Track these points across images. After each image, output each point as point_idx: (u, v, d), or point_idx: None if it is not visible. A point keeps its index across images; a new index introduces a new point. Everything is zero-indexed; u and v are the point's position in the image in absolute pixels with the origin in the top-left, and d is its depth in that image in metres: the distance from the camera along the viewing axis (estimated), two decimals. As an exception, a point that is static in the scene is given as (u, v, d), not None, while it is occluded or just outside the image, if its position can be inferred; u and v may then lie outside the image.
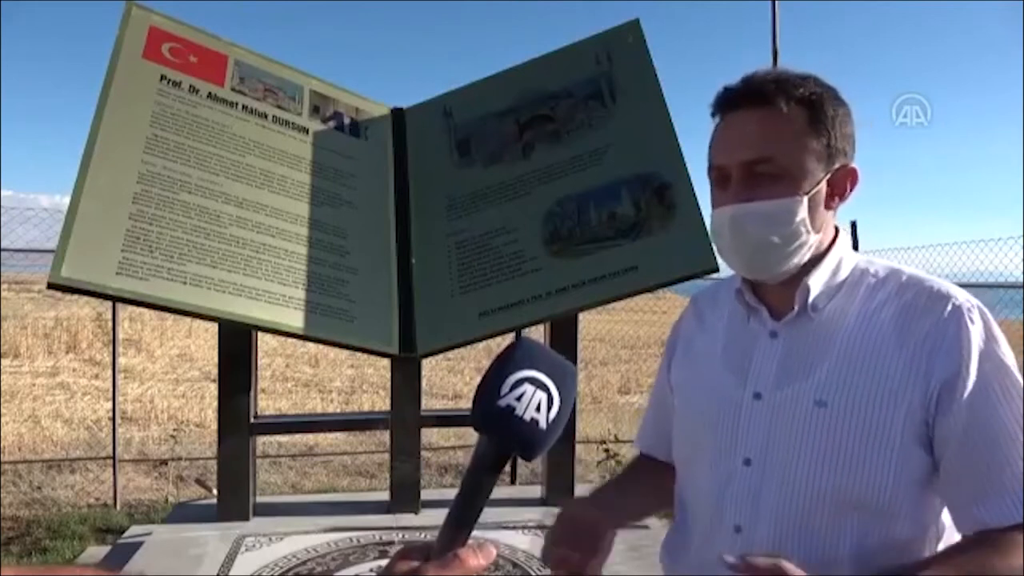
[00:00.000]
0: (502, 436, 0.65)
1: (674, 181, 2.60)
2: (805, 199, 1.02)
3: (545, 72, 2.97)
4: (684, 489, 1.20)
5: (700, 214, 2.54)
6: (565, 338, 2.98)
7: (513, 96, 2.96)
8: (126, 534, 3.01)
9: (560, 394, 0.66)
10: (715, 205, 1.09)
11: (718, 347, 1.16)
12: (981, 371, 0.96)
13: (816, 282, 1.06)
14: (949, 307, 0.99)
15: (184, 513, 3.06)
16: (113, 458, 5.20)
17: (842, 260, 1.08)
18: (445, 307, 2.70)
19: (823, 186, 1.04)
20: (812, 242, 1.05)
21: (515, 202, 2.79)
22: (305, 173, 2.76)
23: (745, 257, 1.07)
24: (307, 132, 2.85)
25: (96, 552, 3.79)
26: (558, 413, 0.66)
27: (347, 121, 2.99)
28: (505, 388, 0.64)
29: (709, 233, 1.13)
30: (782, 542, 1.01)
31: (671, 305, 10.42)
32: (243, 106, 2.73)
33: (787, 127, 1.02)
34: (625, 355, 11.51)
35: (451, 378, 9.64)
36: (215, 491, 3.27)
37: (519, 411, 0.64)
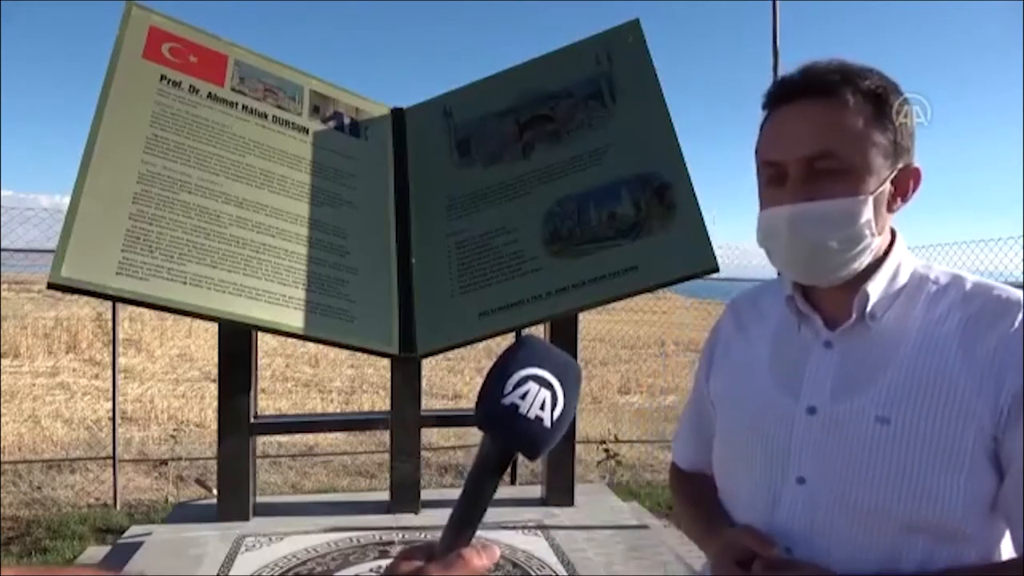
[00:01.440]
0: (506, 435, 0.64)
1: (674, 181, 2.60)
2: (870, 199, 0.94)
3: (545, 72, 2.97)
4: (727, 506, 1.13)
5: (700, 214, 2.54)
6: (565, 338, 2.98)
7: (513, 96, 2.96)
8: (126, 534, 3.01)
9: (564, 392, 0.66)
10: (766, 204, 1.00)
11: (764, 356, 1.09)
12: None
13: (875, 289, 0.98)
14: (1020, 317, 0.92)
15: (184, 513, 3.06)
16: (113, 458, 5.19)
17: (900, 265, 1.01)
18: (445, 307, 2.70)
19: (887, 186, 0.96)
20: (874, 246, 0.97)
21: (515, 202, 2.79)
22: (305, 173, 2.76)
23: (802, 261, 0.99)
24: (307, 132, 2.85)
25: (96, 552, 3.78)
26: (563, 411, 0.65)
27: (347, 121, 2.99)
28: (509, 387, 0.64)
29: (758, 234, 1.04)
30: (838, 567, 0.95)
31: (671, 305, 10.43)
32: (243, 106, 2.72)
33: (853, 120, 0.94)
34: (625, 355, 11.51)
35: (451, 378, 9.64)
36: (215, 491, 3.26)
37: (523, 409, 0.63)
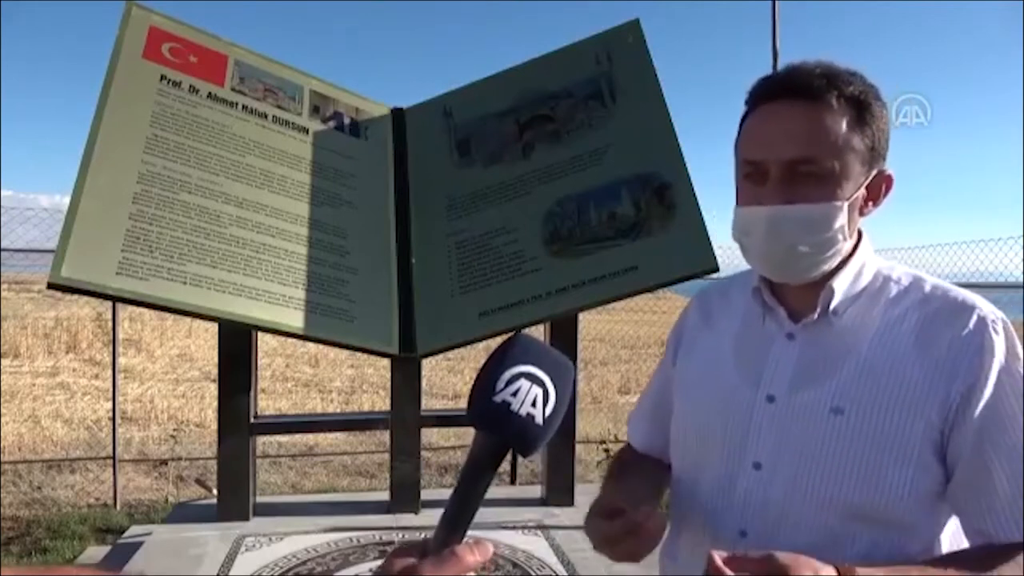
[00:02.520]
0: (498, 432, 0.64)
1: (674, 181, 2.60)
2: (846, 205, 0.97)
3: (545, 72, 2.97)
4: (684, 490, 1.16)
5: (700, 214, 2.54)
6: (565, 338, 2.98)
7: (513, 96, 2.96)
8: (126, 534, 3.01)
9: (556, 389, 0.66)
10: (744, 201, 1.02)
11: (728, 345, 1.12)
12: (999, 386, 0.94)
13: (840, 286, 1.02)
14: (974, 318, 0.96)
15: (184, 513, 3.06)
16: (113, 458, 5.20)
17: (864, 265, 1.05)
18: (445, 307, 2.70)
19: (862, 191, 1.00)
20: (845, 249, 1.01)
21: (515, 202, 2.79)
22: (305, 173, 2.76)
23: (775, 261, 1.02)
24: (307, 132, 2.85)
25: (96, 552, 3.79)
26: (554, 408, 0.65)
27: (347, 121, 2.99)
28: (501, 384, 0.64)
29: (733, 229, 1.06)
30: (788, 550, 0.97)
31: (671, 305, 10.40)
32: (243, 106, 2.73)
33: (835, 126, 0.96)
34: (625, 355, 11.50)
35: (451, 378, 9.63)
36: (215, 491, 3.27)
37: (515, 406, 0.63)
